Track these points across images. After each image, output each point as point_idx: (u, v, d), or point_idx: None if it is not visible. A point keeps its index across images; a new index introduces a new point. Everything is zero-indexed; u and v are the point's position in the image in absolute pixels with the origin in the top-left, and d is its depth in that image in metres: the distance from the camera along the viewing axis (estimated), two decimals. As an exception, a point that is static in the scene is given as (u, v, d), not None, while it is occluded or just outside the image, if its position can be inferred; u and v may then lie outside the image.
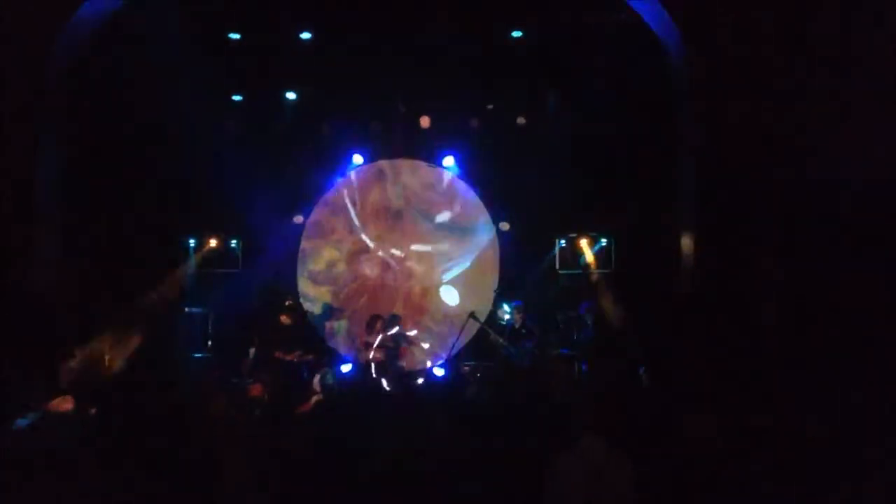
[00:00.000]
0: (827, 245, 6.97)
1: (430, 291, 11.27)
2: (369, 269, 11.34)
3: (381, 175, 11.48)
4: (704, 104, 7.74)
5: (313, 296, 11.31)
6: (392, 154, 11.42)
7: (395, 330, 10.13)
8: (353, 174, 11.40)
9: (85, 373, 7.80)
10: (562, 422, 4.09)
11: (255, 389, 5.87)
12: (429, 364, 10.69)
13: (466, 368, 9.89)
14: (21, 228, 7.69)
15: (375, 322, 9.99)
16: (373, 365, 9.63)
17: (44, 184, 7.98)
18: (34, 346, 7.18)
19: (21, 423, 4.33)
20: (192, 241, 10.71)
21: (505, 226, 11.13)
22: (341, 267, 11.38)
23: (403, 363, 10.28)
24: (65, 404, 4.33)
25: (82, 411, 4.52)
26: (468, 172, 11.23)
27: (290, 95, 10.85)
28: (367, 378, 9.39)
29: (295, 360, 9.30)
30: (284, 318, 9.73)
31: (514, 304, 9.85)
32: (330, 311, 11.20)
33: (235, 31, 10.00)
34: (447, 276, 11.27)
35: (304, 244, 11.35)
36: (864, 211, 6.89)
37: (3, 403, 4.50)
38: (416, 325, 10.97)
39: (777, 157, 7.33)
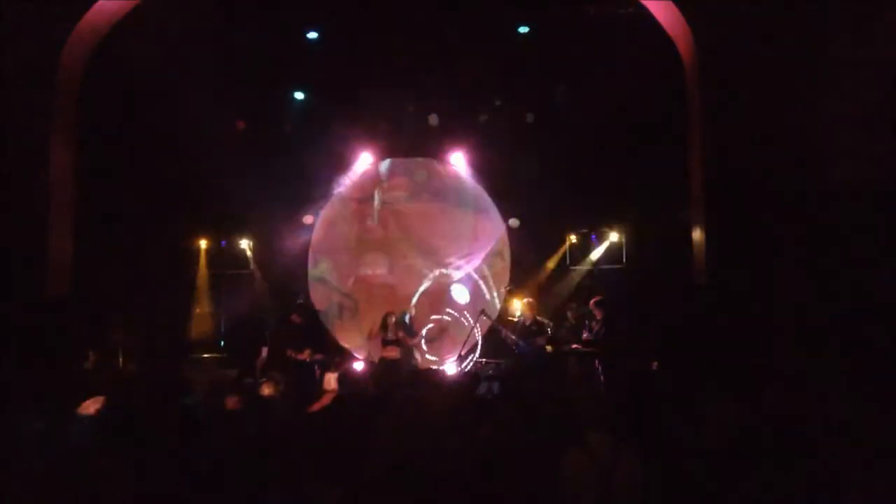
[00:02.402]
0: (838, 235, 6.93)
1: (441, 289, 11.27)
2: (379, 267, 11.36)
3: (390, 173, 11.49)
4: (714, 99, 7.70)
5: (324, 294, 11.33)
6: (401, 152, 11.43)
7: (407, 327, 10.17)
8: (362, 173, 11.41)
9: (99, 374, 7.87)
10: (572, 418, 4.09)
11: (266, 388, 5.89)
12: (440, 360, 10.72)
13: (478, 365, 9.91)
14: (34, 232, 7.74)
15: (388, 319, 10.02)
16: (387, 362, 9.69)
17: (56, 187, 8.03)
18: (48, 348, 7.23)
19: (36, 425, 4.37)
20: (203, 243, 10.77)
21: (515, 222, 11.12)
22: (352, 265, 11.39)
23: (416, 360, 10.33)
24: (95, 405, 4.36)
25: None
26: (477, 169, 11.22)
27: (299, 95, 10.87)
28: (381, 375, 9.43)
29: (307, 358, 9.33)
30: (295, 317, 9.76)
31: (524, 300, 9.85)
32: (341, 310, 11.23)
33: (243, 32, 10.02)
34: (458, 274, 11.27)
35: (314, 243, 11.38)
36: (874, 201, 6.85)
37: (19, 406, 4.55)
38: (426, 323, 11.00)
39: (787, 151, 7.29)
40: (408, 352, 10.07)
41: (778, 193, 7.30)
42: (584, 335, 9.20)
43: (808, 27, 7.28)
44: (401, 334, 9.96)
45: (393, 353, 9.79)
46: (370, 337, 10.58)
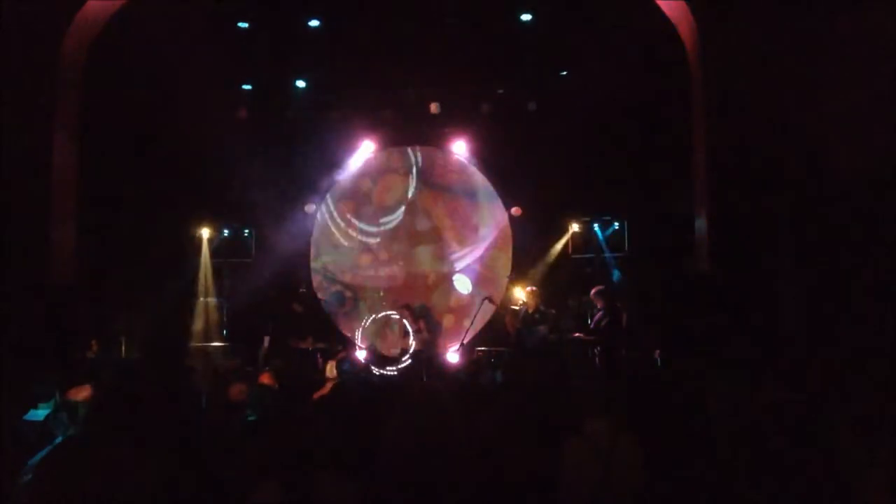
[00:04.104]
0: (841, 225, 6.92)
1: (444, 279, 11.26)
2: (381, 257, 11.35)
3: (391, 162, 11.46)
4: (718, 87, 7.67)
5: (326, 283, 11.33)
6: (402, 141, 11.40)
7: (429, 318, 10.27)
8: (363, 161, 11.38)
9: (102, 362, 7.88)
10: (574, 406, 4.09)
11: (265, 377, 5.89)
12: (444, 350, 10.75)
13: (480, 354, 9.91)
14: (37, 221, 7.75)
15: (405, 311, 10.07)
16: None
17: (59, 177, 8.04)
18: (51, 337, 7.25)
19: (38, 413, 4.38)
20: (205, 232, 10.77)
21: (517, 211, 11.08)
22: (353, 254, 11.39)
23: (436, 350, 10.41)
24: (82, 393, 4.37)
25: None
26: (479, 158, 11.19)
27: (300, 83, 10.83)
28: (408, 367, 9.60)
29: (309, 347, 9.34)
30: (297, 306, 9.76)
31: (527, 289, 9.84)
32: (343, 299, 11.23)
33: (244, 20, 9.98)
34: (460, 265, 11.25)
35: (316, 232, 11.37)
36: (877, 192, 6.83)
37: (21, 394, 4.56)
38: (429, 314, 11.02)
39: (790, 141, 7.27)
40: (429, 342, 10.15)
41: (781, 183, 7.29)
42: (586, 323, 9.21)
43: (813, 18, 7.24)
44: (422, 324, 10.00)
45: (417, 344, 9.87)
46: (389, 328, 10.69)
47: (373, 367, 9.25)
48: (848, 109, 7.01)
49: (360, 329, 10.84)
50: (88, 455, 2.75)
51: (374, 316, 10.84)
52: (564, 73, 10.28)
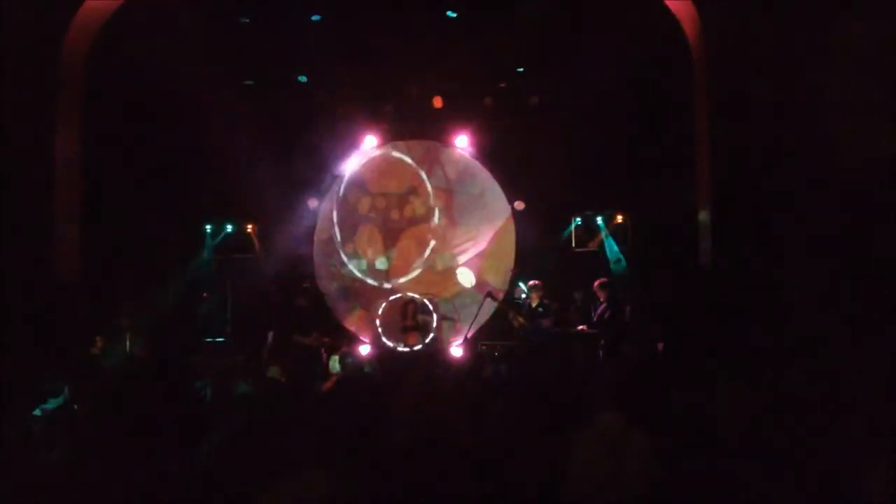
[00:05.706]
0: (843, 219, 6.91)
1: (447, 273, 11.26)
2: (384, 252, 11.35)
3: (394, 156, 11.45)
4: (722, 82, 7.67)
5: (329, 279, 11.34)
6: (405, 135, 11.38)
7: (429, 313, 10.25)
8: (366, 156, 11.37)
9: (109, 358, 7.92)
10: (579, 399, 4.10)
11: (273, 372, 5.93)
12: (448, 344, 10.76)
13: (484, 348, 9.92)
14: (41, 218, 7.77)
15: (409, 306, 10.06)
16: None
17: (63, 172, 8.06)
18: (57, 333, 7.28)
19: (44, 407, 4.41)
20: (208, 227, 10.79)
21: (520, 205, 11.06)
22: (357, 249, 11.39)
23: (438, 344, 10.40)
24: None
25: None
26: (482, 152, 11.17)
27: (302, 78, 10.81)
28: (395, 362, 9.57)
29: (313, 343, 9.35)
30: (301, 302, 9.77)
31: (530, 283, 9.84)
32: (346, 294, 11.24)
33: (246, 15, 9.97)
34: (463, 258, 11.25)
35: (319, 227, 11.37)
36: (880, 186, 6.82)
37: (28, 389, 4.59)
38: (431, 308, 11.02)
39: (793, 136, 7.26)
40: (433, 337, 10.15)
41: (784, 178, 7.28)
42: (590, 317, 9.21)
43: (817, 16, 7.23)
44: (424, 319, 10.00)
45: (413, 339, 9.87)
46: (384, 322, 10.66)
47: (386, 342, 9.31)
48: (851, 106, 7.01)
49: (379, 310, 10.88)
50: (93, 453, 2.78)
51: (396, 296, 10.83)
52: (565, 69, 10.23)
